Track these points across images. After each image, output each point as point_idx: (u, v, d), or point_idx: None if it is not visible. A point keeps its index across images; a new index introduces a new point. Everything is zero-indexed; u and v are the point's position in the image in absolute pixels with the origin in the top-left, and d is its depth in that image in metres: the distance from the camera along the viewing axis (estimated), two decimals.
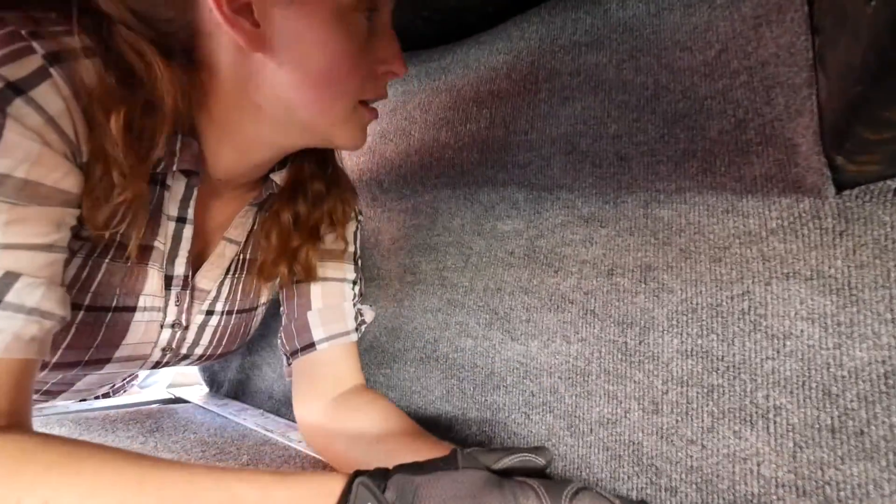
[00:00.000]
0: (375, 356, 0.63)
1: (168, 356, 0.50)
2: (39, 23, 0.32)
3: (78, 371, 0.44)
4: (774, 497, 0.34)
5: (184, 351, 0.51)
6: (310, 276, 0.53)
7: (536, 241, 0.52)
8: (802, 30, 0.37)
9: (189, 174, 0.42)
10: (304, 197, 0.51)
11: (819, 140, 0.35)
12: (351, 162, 0.78)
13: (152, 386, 0.90)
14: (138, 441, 0.54)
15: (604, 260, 0.47)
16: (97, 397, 0.77)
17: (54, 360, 0.40)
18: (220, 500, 0.26)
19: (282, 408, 0.75)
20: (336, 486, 0.27)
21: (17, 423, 0.29)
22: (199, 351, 0.53)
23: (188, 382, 0.94)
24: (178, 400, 0.82)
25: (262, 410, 0.76)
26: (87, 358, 0.43)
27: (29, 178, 0.30)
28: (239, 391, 0.84)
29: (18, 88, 0.29)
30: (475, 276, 0.57)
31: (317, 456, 0.54)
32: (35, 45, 0.31)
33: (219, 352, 0.55)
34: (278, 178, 0.49)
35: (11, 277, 0.30)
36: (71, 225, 0.34)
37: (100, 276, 0.40)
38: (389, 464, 0.28)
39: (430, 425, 0.51)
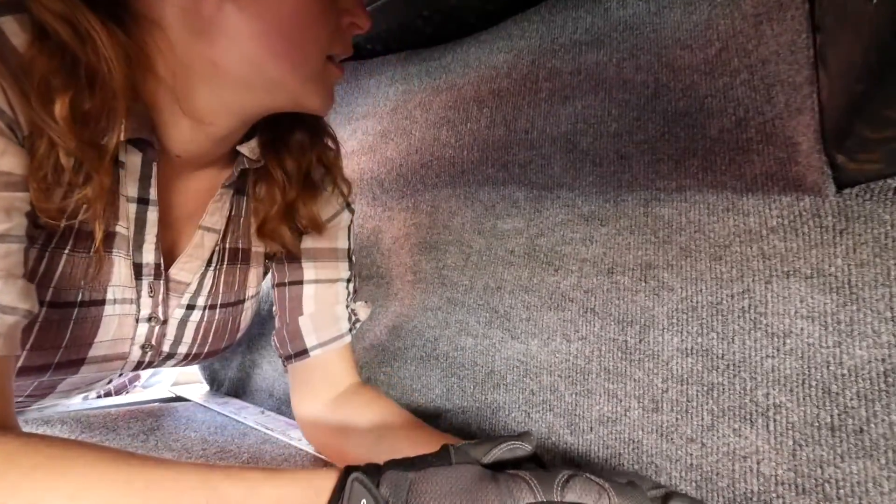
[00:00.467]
0: (376, 354, 0.63)
1: (149, 354, 0.47)
2: None
3: (51, 375, 0.41)
4: (774, 495, 0.34)
5: (166, 349, 0.48)
6: (316, 227, 0.50)
7: (537, 240, 0.52)
8: (803, 27, 0.37)
9: (142, 147, 0.37)
10: (287, 151, 0.48)
11: (820, 138, 0.35)
12: (351, 161, 0.78)
13: (155, 385, 0.90)
14: (139, 440, 0.54)
15: (604, 258, 0.47)
16: (98, 395, 0.77)
17: (19, 363, 0.37)
18: (207, 498, 0.26)
19: (282, 406, 0.75)
20: (326, 482, 0.27)
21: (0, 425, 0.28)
22: (182, 350, 0.50)
23: (189, 381, 0.95)
24: (178, 398, 0.82)
25: (262, 409, 0.76)
26: (57, 360, 0.39)
27: None
28: (239, 389, 0.84)
29: None
30: (475, 275, 0.57)
31: (317, 454, 0.54)
32: None
33: (206, 350, 0.52)
34: (247, 149, 0.44)
35: None
36: (24, 211, 0.31)
37: (60, 268, 0.36)
38: (393, 458, 0.28)
39: (430, 423, 0.51)
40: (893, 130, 0.27)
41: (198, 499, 0.26)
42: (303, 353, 0.52)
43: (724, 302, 0.39)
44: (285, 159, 0.48)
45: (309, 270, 0.53)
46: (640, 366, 0.42)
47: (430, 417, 0.55)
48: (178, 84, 0.36)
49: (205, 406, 0.77)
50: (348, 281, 0.55)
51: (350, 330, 0.54)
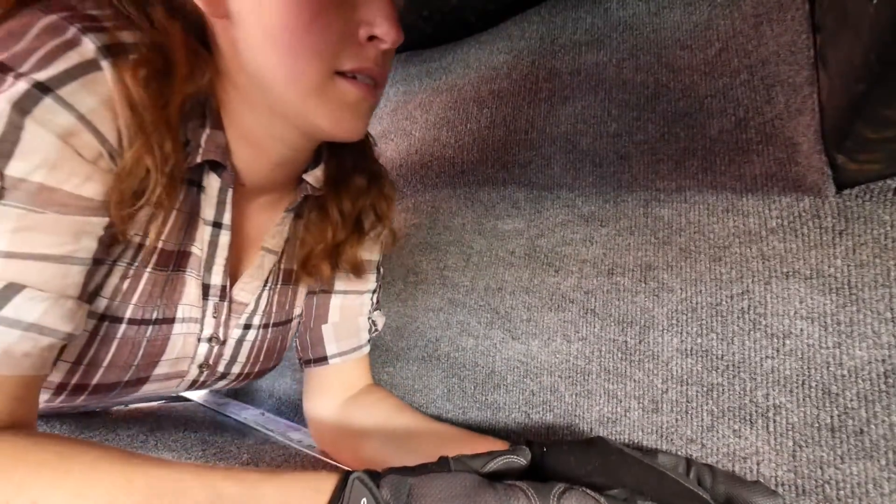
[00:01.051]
0: (380, 354, 0.63)
1: (205, 374, 0.47)
2: (80, 9, 0.31)
3: (116, 393, 0.41)
4: None
5: (221, 369, 0.48)
6: (356, 270, 0.50)
7: (537, 241, 0.52)
8: (803, 28, 0.37)
9: (219, 170, 0.39)
10: (346, 191, 0.48)
11: (820, 139, 0.35)
12: None
13: None
14: (139, 440, 0.54)
15: (604, 259, 0.47)
16: None
17: (94, 381, 0.37)
18: (207, 497, 0.26)
19: (282, 407, 0.75)
20: (327, 483, 0.27)
21: (15, 427, 0.29)
22: (236, 369, 0.50)
23: None
24: (178, 398, 0.82)
25: (262, 410, 0.76)
26: (127, 378, 0.40)
27: (45, 183, 0.29)
28: (240, 390, 0.84)
29: (46, 87, 0.28)
30: (476, 276, 0.57)
31: (318, 456, 0.54)
32: (85, 38, 0.29)
33: (256, 369, 0.52)
34: (311, 178, 0.45)
35: (12, 290, 0.28)
36: (97, 235, 0.32)
37: (141, 286, 0.37)
38: (403, 458, 0.28)
39: None
40: (893, 131, 0.27)
41: (198, 498, 0.26)
42: (322, 359, 0.53)
43: (724, 303, 0.39)
44: (343, 198, 0.48)
45: (340, 281, 0.54)
46: (640, 366, 0.42)
47: (431, 418, 0.55)
48: (231, 109, 0.38)
49: (205, 406, 0.77)
50: (373, 292, 0.56)
51: (369, 340, 0.56)
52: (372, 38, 0.35)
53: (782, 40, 0.38)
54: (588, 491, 0.25)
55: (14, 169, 0.28)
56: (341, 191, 0.48)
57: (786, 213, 0.37)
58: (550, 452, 0.29)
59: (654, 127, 0.45)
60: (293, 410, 0.74)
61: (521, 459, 0.29)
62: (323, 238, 0.48)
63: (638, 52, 0.47)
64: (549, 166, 0.52)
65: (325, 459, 0.53)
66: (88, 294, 0.34)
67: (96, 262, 0.34)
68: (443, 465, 0.28)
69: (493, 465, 0.28)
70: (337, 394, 0.54)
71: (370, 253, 0.54)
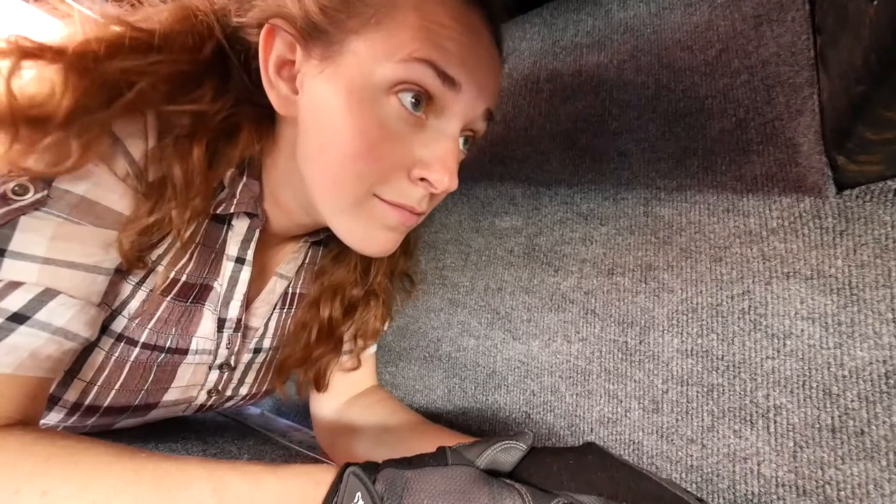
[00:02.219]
0: (382, 354, 0.63)
1: (213, 398, 0.48)
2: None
3: (125, 417, 0.42)
4: (775, 496, 0.34)
5: (229, 392, 0.49)
6: (319, 386, 0.52)
7: (535, 239, 0.52)
8: (804, 29, 0.37)
9: (251, 216, 0.40)
10: (340, 301, 0.49)
11: (820, 139, 0.35)
12: None
13: None
14: (139, 440, 0.54)
15: (604, 259, 0.47)
16: None
17: (106, 403, 0.38)
18: (212, 487, 0.26)
19: (282, 408, 0.75)
20: (326, 476, 0.27)
21: (23, 424, 0.30)
22: (244, 391, 0.50)
23: None
24: None
25: (262, 411, 0.76)
26: (137, 402, 0.41)
27: (86, 195, 0.31)
28: None
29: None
30: (475, 276, 0.57)
31: (317, 457, 0.54)
32: None
33: (263, 388, 0.52)
34: None
35: (49, 295, 0.30)
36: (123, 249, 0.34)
37: (159, 312, 0.38)
38: (394, 455, 0.28)
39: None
40: (894, 132, 0.27)
41: (203, 488, 0.26)
42: None
43: (725, 303, 0.39)
44: (334, 305, 0.49)
45: None
46: (640, 367, 0.42)
47: (431, 418, 0.55)
48: (275, 178, 0.40)
49: None
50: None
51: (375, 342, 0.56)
52: (424, 179, 0.35)
53: (783, 41, 0.38)
54: None
55: (61, 182, 0.30)
56: (336, 299, 0.49)
57: (786, 214, 0.37)
58: (530, 456, 0.28)
59: (654, 126, 0.45)
60: (293, 411, 0.74)
61: (520, 445, 0.28)
62: (341, 280, 0.50)
63: (639, 53, 0.47)
64: (548, 162, 0.52)
65: (325, 461, 0.53)
66: (111, 311, 0.36)
67: (121, 277, 0.35)
68: (440, 456, 0.28)
69: (491, 453, 0.28)
70: (340, 394, 0.54)
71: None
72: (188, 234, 0.36)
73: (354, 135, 0.32)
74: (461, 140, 0.37)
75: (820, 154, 0.35)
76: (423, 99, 0.33)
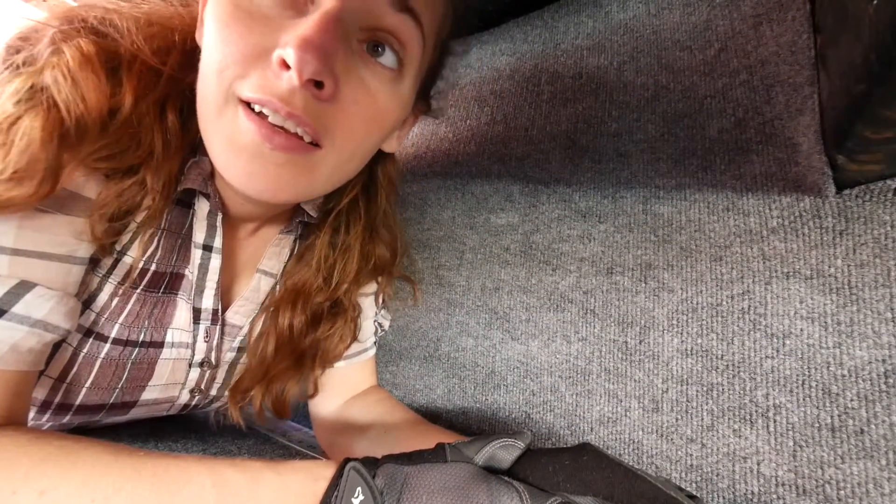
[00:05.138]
0: (383, 354, 0.63)
1: (197, 398, 0.46)
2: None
3: (102, 416, 0.41)
4: (774, 496, 0.34)
5: (213, 393, 0.47)
6: (280, 411, 0.47)
7: (532, 237, 0.52)
8: (804, 28, 0.37)
9: (207, 197, 0.38)
10: (346, 227, 0.45)
11: (820, 139, 0.35)
12: None
13: None
14: (139, 441, 0.54)
15: (603, 258, 0.47)
16: None
17: (78, 401, 0.37)
18: (212, 482, 0.26)
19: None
20: (326, 471, 0.27)
21: (13, 423, 0.29)
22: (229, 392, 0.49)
23: None
24: None
25: None
26: (112, 400, 0.39)
27: None
28: None
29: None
30: (471, 275, 0.57)
31: (317, 457, 0.54)
32: None
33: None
34: (309, 205, 0.43)
35: (24, 287, 0.29)
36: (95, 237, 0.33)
37: (129, 305, 0.37)
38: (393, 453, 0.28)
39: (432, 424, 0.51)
40: (894, 131, 0.27)
41: (203, 483, 0.26)
42: None
43: (724, 303, 0.39)
44: (340, 233, 0.46)
45: None
46: (640, 366, 0.42)
47: (431, 418, 0.55)
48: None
49: None
50: (376, 294, 0.55)
51: (375, 342, 0.55)
52: (280, 61, 0.28)
53: (782, 40, 0.38)
54: None
55: None
56: (340, 226, 0.45)
57: (786, 213, 0.37)
58: (526, 456, 0.28)
59: (653, 127, 0.45)
60: (293, 411, 0.74)
61: (519, 443, 0.28)
62: (310, 268, 0.45)
63: (638, 54, 0.47)
64: (547, 161, 0.52)
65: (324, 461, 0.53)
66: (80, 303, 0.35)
67: (89, 269, 0.34)
68: (439, 452, 0.28)
69: (489, 450, 0.28)
70: (340, 394, 0.54)
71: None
72: (155, 216, 0.34)
73: (215, 23, 0.29)
74: (367, 46, 0.32)
75: (820, 153, 0.35)
76: None
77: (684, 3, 0.45)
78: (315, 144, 0.31)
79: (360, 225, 0.46)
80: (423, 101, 0.42)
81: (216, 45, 0.29)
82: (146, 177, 0.33)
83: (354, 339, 0.50)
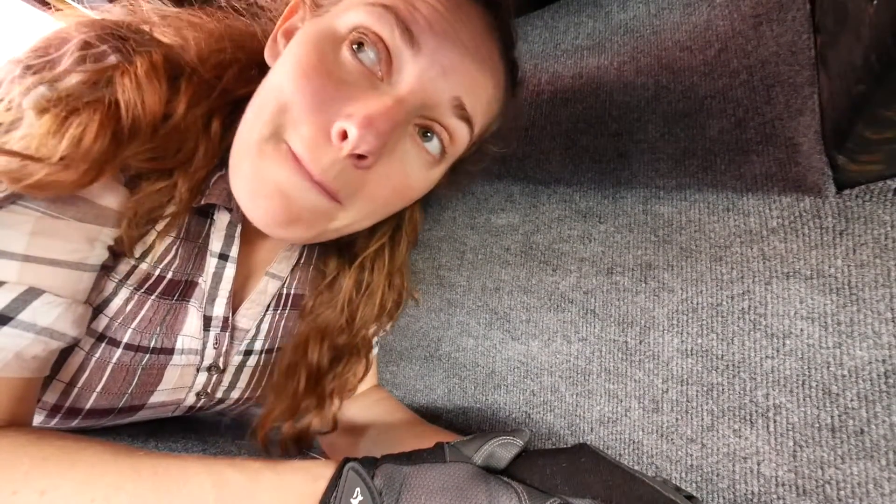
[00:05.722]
0: (383, 354, 0.63)
1: (202, 401, 0.46)
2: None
3: (111, 419, 0.41)
4: (774, 496, 0.34)
5: (219, 395, 0.47)
6: (302, 443, 0.48)
7: (532, 237, 0.52)
8: (804, 28, 0.37)
9: (229, 210, 0.39)
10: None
11: (820, 139, 0.35)
12: None
13: None
14: (139, 441, 0.54)
15: (603, 258, 0.47)
16: None
17: (88, 405, 0.37)
18: (212, 482, 0.26)
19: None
20: (325, 471, 0.27)
21: (14, 426, 0.29)
22: (235, 395, 0.49)
23: None
24: None
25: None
26: (121, 405, 0.39)
27: None
28: None
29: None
30: (472, 275, 0.57)
31: (317, 457, 0.54)
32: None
33: (257, 394, 0.50)
34: None
35: (32, 294, 0.29)
36: (107, 244, 0.33)
37: (143, 311, 0.37)
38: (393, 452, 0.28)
39: (432, 423, 0.51)
40: (894, 132, 0.27)
41: (203, 483, 0.26)
42: None
43: (725, 303, 0.39)
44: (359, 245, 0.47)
45: None
46: (640, 366, 0.42)
47: (431, 418, 0.55)
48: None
49: None
50: None
51: (376, 342, 0.56)
52: (344, 136, 0.29)
53: (782, 41, 0.38)
54: None
55: None
56: (365, 270, 0.47)
57: (786, 213, 0.37)
58: (522, 458, 0.28)
59: (654, 127, 0.45)
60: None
61: (517, 441, 0.28)
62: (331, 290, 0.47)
63: (638, 54, 0.47)
64: (547, 161, 0.52)
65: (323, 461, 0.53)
66: (93, 309, 0.35)
67: (104, 275, 0.34)
68: (438, 452, 0.28)
69: (487, 449, 0.28)
70: None
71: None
72: (175, 224, 0.36)
73: (293, 68, 0.30)
74: (420, 130, 0.33)
75: (820, 153, 0.35)
76: (379, 52, 0.30)
77: (684, 3, 0.45)
78: (336, 200, 0.32)
79: (385, 271, 0.48)
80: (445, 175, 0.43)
81: (287, 85, 0.30)
82: (178, 181, 0.34)
83: (367, 372, 0.51)
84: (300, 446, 0.49)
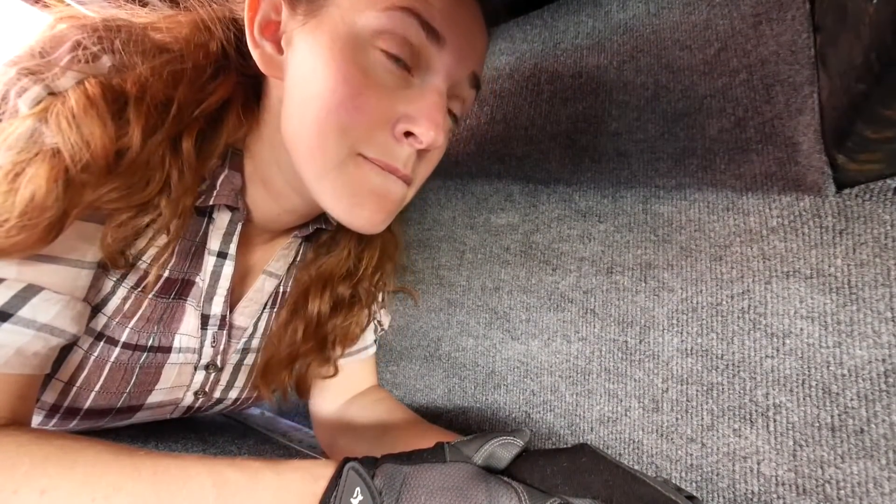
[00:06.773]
0: (383, 354, 0.63)
1: (201, 400, 0.46)
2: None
3: (109, 419, 0.41)
4: (774, 495, 0.34)
5: (217, 395, 0.47)
6: (302, 392, 0.50)
7: (532, 236, 0.52)
8: (804, 27, 0.37)
9: (232, 209, 0.39)
10: (331, 291, 0.47)
11: (820, 138, 0.35)
12: None
13: None
14: (139, 441, 0.54)
15: (602, 257, 0.47)
16: None
17: (87, 405, 0.37)
18: (212, 482, 0.26)
19: (283, 408, 0.75)
20: (325, 471, 0.27)
21: (15, 424, 0.29)
22: (233, 394, 0.49)
23: None
24: None
25: (262, 410, 0.76)
26: (119, 404, 0.39)
27: None
28: None
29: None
30: (472, 275, 0.57)
31: (317, 457, 0.54)
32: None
33: (255, 394, 0.51)
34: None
35: (31, 291, 0.29)
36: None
37: (141, 310, 0.37)
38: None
39: (432, 423, 0.51)
40: (893, 131, 0.27)
41: (203, 483, 0.26)
42: None
43: (724, 302, 0.39)
44: (324, 296, 0.48)
45: None
46: (640, 366, 0.42)
47: (431, 417, 0.55)
48: (260, 158, 0.39)
49: None
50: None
51: (375, 340, 0.56)
52: (409, 134, 0.33)
53: (782, 40, 0.38)
54: None
55: None
56: (326, 289, 0.48)
57: (786, 213, 0.37)
58: (522, 458, 0.28)
59: (653, 127, 0.45)
60: (293, 411, 0.74)
61: (517, 441, 0.28)
62: (330, 265, 0.48)
63: (638, 53, 0.47)
64: (547, 160, 0.52)
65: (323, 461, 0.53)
66: (91, 308, 0.35)
67: (102, 273, 0.34)
68: (438, 452, 0.28)
69: (488, 448, 0.28)
70: (340, 393, 0.54)
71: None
72: (173, 229, 0.35)
73: (337, 83, 0.31)
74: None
75: (819, 153, 0.35)
76: (407, 53, 0.32)
77: (684, 2, 0.45)
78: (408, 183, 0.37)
79: None
80: None
81: (342, 104, 0.31)
82: (161, 208, 0.33)
83: (371, 321, 0.53)
84: (300, 392, 0.50)
